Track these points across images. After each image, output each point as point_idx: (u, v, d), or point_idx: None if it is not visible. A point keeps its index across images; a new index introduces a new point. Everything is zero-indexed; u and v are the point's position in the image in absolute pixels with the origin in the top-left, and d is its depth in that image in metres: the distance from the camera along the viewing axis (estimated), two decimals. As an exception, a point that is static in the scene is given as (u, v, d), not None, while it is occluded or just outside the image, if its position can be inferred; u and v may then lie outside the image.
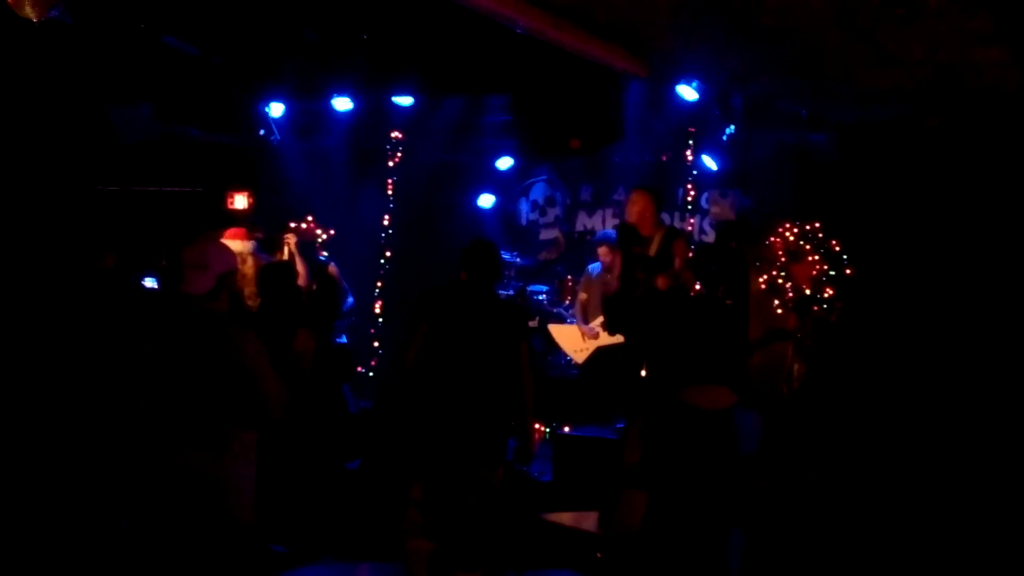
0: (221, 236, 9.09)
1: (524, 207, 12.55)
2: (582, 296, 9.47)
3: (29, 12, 6.58)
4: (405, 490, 5.92)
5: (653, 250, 7.72)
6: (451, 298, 5.98)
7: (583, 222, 12.22)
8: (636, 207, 8.02)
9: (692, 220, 10.68)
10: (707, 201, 10.95)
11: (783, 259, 9.44)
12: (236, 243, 8.51)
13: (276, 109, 11.15)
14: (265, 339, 4.77)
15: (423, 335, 5.87)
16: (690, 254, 7.66)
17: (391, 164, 11.60)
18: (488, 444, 5.80)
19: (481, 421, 5.74)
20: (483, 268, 5.92)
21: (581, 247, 11.82)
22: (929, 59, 7.35)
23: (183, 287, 4.62)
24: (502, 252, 11.09)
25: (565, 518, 4.27)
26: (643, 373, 9.47)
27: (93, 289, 6.38)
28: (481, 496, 5.84)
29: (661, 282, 7.04)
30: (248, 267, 8.43)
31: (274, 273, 6.99)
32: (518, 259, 11.51)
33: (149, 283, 8.09)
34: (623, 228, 7.22)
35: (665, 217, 11.64)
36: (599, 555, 3.98)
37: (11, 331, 5.86)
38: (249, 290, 8.09)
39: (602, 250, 9.55)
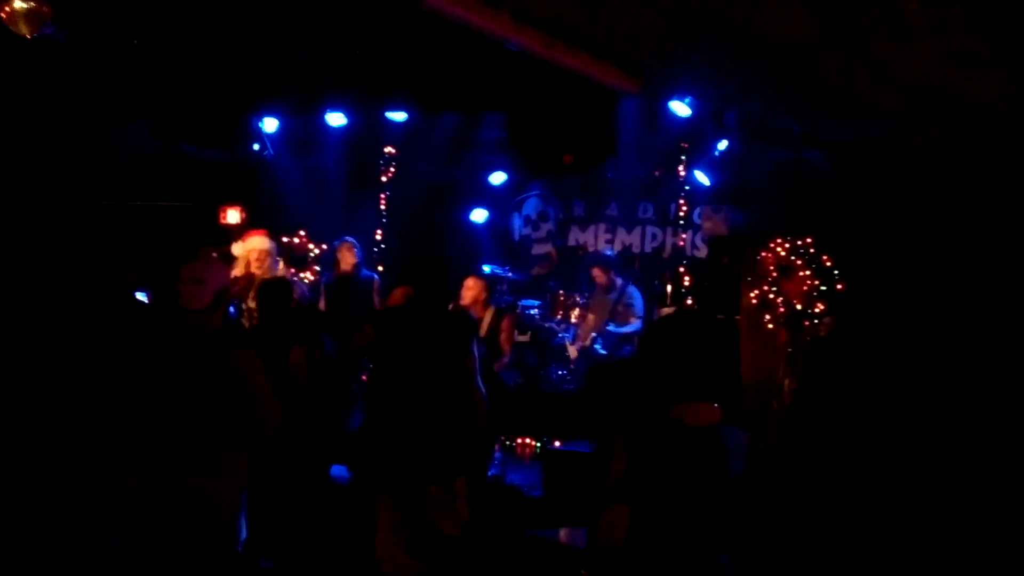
0: (221, 249, 9.23)
1: (517, 222, 12.58)
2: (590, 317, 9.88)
3: (23, 28, 6.60)
4: (372, 509, 5.91)
5: (484, 330, 8.21)
6: (399, 315, 6.05)
7: (576, 237, 12.26)
8: (470, 292, 8.42)
9: (684, 235, 10.72)
10: (700, 216, 11.00)
11: (775, 274, 9.46)
12: (259, 239, 8.77)
13: (270, 124, 11.17)
14: (262, 355, 4.79)
15: (370, 337, 5.91)
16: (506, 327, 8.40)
17: (384, 179, 11.63)
18: (436, 457, 5.79)
19: (427, 435, 5.74)
20: (428, 283, 5.93)
21: (574, 262, 11.86)
22: (923, 78, 7.38)
23: (180, 302, 4.63)
24: (495, 267, 11.19)
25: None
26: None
27: (119, 305, 6.42)
28: (448, 513, 5.84)
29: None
30: (264, 268, 8.58)
31: (271, 289, 6.99)
32: (510, 274, 11.55)
33: (139, 297, 8.12)
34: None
35: (658, 232, 11.72)
36: (584, 572, 3.99)
37: (27, 343, 5.88)
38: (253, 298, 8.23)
39: (595, 271, 9.87)
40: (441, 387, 5.81)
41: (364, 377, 10.70)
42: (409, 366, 5.83)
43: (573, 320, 10.61)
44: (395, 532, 5.81)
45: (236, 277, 8.12)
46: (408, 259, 6.24)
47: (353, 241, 10.01)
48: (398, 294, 6.43)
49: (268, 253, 8.75)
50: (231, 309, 7.48)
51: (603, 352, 10.02)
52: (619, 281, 10.11)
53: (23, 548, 5.59)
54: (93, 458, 5.68)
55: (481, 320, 8.29)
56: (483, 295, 8.46)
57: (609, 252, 11.20)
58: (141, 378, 4.59)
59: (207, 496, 4.51)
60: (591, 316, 10.23)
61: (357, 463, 7.35)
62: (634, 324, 10.00)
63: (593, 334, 9.93)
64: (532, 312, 10.88)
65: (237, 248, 9.00)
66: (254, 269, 8.56)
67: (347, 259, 9.95)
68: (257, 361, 4.61)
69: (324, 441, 7.16)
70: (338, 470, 7.92)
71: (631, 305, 10.09)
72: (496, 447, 8.51)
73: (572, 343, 10.35)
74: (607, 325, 9.98)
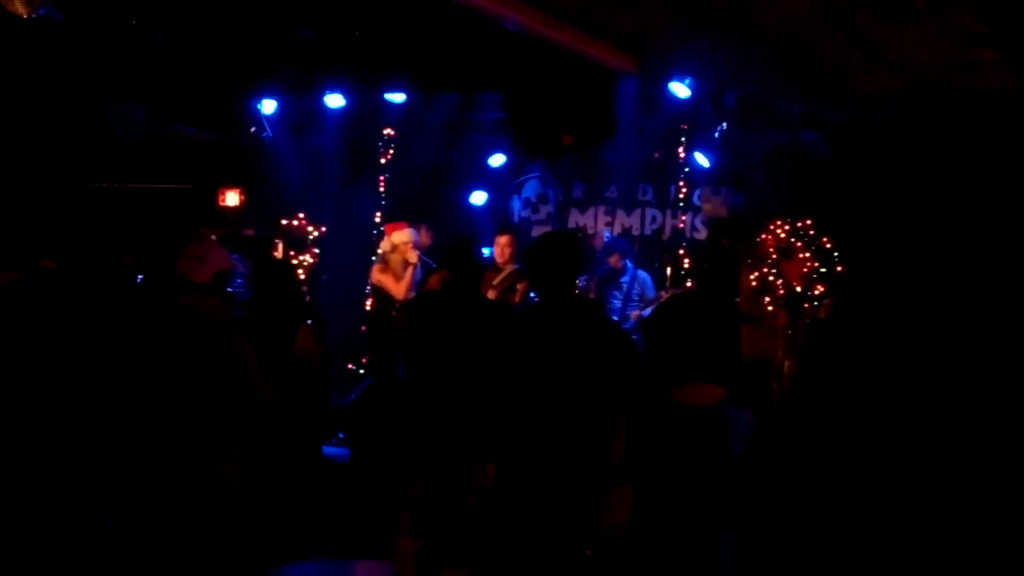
0: (215, 233, 9.27)
1: (516, 204, 12.54)
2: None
3: (19, 8, 6.57)
4: (399, 488, 5.94)
5: (499, 278, 8.87)
6: (434, 300, 6.12)
7: (575, 219, 12.21)
8: (508, 249, 9.17)
9: (684, 217, 10.69)
10: (699, 198, 10.96)
11: (774, 256, 9.46)
12: (406, 232, 9.26)
13: (268, 106, 11.12)
14: (267, 337, 4.79)
15: (406, 324, 5.98)
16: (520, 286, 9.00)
17: (383, 161, 11.57)
18: (479, 440, 5.82)
19: (471, 417, 5.77)
20: (461, 267, 5.96)
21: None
22: (922, 61, 7.37)
23: (179, 273, 4.64)
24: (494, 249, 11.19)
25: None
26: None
27: (111, 289, 6.40)
28: (476, 493, 5.87)
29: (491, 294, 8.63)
30: (412, 256, 9.16)
31: (275, 270, 6.95)
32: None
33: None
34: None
35: (657, 214, 11.70)
36: (588, 552, 4.00)
37: (18, 329, 5.86)
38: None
39: (613, 258, 9.95)
40: (479, 370, 5.83)
41: (364, 360, 10.77)
42: (446, 350, 5.85)
43: None
44: (412, 511, 5.86)
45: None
46: (445, 244, 6.30)
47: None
48: (435, 280, 6.46)
49: (415, 242, 9.27)
50: (229, 291, 7.47)
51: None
52: (629, 265, 10.13)
53: (17, 533, 5.59)
54: (88, 441, 5.67)
55: (503, 270, 8.93)
56: (511, 249, 9.12)
57: (607, 235, 11.17)
58: (135, 361, 4.58)
59: (204, 479, 4.50)
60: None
61: (367, 443, 7.38)
62: (648, 311, 10.04)
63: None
64: (532, 294, 10.85)
65: (385, 244, 9.37)
66: (412, 260, 9.13)
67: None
68: (247, 342, 4.61)
69: (319, 421, 7.15)
70: (331, 450, 7.94)
71: (645, 290, 10.12)
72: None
73: None
74: (620, 308, 10.02)
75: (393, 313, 9.05)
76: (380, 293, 9.35)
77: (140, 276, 8.27)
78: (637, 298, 10.03)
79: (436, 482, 5.83)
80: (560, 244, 5.22)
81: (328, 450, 8.14)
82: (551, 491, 4.58)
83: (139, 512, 4.54)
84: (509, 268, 9.16)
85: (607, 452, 3.93)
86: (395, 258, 9.16)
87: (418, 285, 9.49)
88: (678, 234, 10.61)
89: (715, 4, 6.62)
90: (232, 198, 11.43)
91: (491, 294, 8.79)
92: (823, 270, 9.24)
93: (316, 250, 11.17)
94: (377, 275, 9.28)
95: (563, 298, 4.98)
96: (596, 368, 4.74)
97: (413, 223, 10.10)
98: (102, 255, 7.08)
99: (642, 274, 10.18)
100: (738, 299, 9.65)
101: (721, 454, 3.76)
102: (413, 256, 9.13)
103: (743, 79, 8.87)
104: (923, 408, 7.96)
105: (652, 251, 11.20)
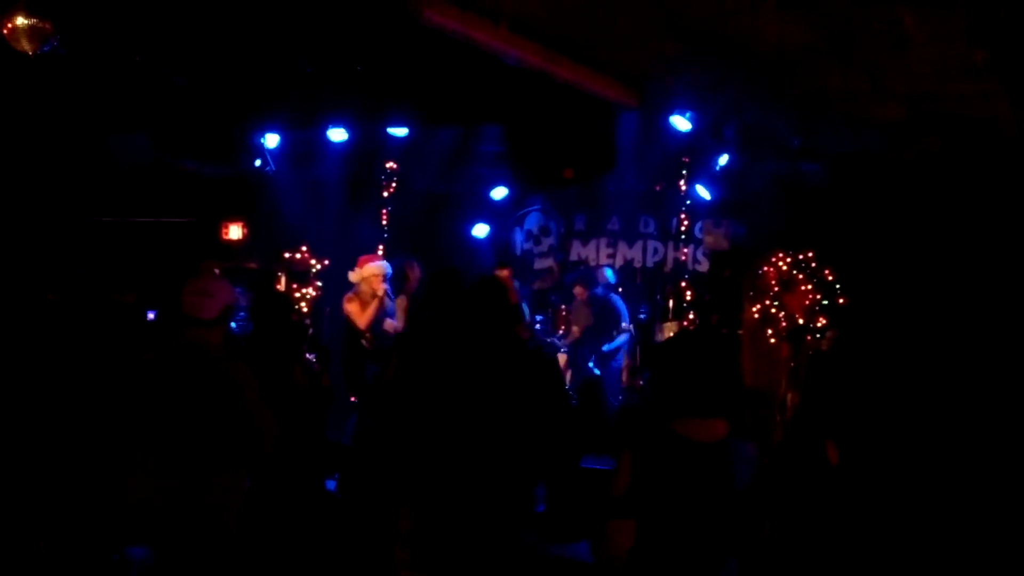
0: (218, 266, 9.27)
1: (518, 237, 12.58)
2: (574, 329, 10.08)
3: (25, 45, 6.61)
4: (393, 525, 5.89)
5: None
6: (421, 332, 6.06)
7: (577, 251, 12.25)
8: (508, 283, 8.85)
9: (686, 250, 10.72)
10: (701, 231, 11.00)
11: (776, 288, 9.46)
12: (377, 265, 9.09)
13: (271, 139, 11.15)
14: (263, 370, 4.79)
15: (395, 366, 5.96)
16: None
17: (386, 194, 11.62)
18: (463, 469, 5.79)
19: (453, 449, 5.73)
20: (439, 299, 5.92)
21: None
22: (922, 91, 7.40)
23: (186, 310, 4.64)
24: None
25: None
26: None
27: (111, 323, 6.42)
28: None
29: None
30: (380, 288, 8.98)
31: (272, 304, 6.95)
32: (513, 288, 11.53)
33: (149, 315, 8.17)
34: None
35: (659, 246, 11.73)
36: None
37: (23, 358, 5.89)
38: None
39: (577, 288, 10.10)
40: (456, 403, 5.79)
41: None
42: (424, 383, 5.80)
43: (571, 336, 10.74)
44: (410, 548, 5.80)
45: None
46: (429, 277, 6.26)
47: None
48: None
49: (386, 276, 9.14)
50: (232, 325, 7.48)
51: (597, 372, 10.08)
52: (599, 293, 10.20)
53: (24, 563, 5.59)
54: (93, 472, 5.68)
55: None
56: (509, 282, 8.87)
57: (608, 269, 11.20)
58: (140, 393, 4.58)
59: (206, 512, 4.50)
60: (575, 328, 10.41)
61: (362, 480, 7.33)
62: (621, 337, 10.09)
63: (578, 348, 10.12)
64: (534, 327, 10.88)
65: (354, 275, 9.18)
66: (379, 292, 8.95)
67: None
68: (251, 376, 4.61)
69: (320, 455, 7.13)
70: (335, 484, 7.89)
71: (616, 316, 10.19)
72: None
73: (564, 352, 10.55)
74: (593, 338, 10.11)
75: (363, 342, 9.03)
76: (348, 324, 9.28)
77: (150, 312, 8.29)
78: (610, 327, 10.14)
79: (427, 516, 5.78)
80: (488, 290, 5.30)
81: (332, 484, 8.10)
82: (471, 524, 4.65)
83: (145, 541, 4.55)
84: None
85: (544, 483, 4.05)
86: (364, 288, 9.12)
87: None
88: (680, 266, 10.64)
89: (715, 35, 6.65)
90: (235, 231, 11.47)
91: None
92: (825, 302, 9.24)
93: (318, 283, 11.18)
94: (345, 305, 9.19)
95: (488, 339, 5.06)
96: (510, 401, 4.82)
97: (408, 257, 10.10)
98: (105, 289, 7.12)
99: (613, 299, 10.25)
100: (740, 331, 9.73)
101: (726, 489, 3.74)
102: (380, 288, 9.04)
103: (743, 109, 8.90)
104: (927, 440, 7.92)
105: (654, 283, 11.23)
